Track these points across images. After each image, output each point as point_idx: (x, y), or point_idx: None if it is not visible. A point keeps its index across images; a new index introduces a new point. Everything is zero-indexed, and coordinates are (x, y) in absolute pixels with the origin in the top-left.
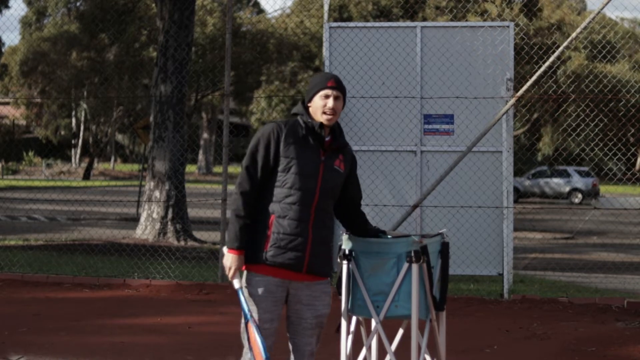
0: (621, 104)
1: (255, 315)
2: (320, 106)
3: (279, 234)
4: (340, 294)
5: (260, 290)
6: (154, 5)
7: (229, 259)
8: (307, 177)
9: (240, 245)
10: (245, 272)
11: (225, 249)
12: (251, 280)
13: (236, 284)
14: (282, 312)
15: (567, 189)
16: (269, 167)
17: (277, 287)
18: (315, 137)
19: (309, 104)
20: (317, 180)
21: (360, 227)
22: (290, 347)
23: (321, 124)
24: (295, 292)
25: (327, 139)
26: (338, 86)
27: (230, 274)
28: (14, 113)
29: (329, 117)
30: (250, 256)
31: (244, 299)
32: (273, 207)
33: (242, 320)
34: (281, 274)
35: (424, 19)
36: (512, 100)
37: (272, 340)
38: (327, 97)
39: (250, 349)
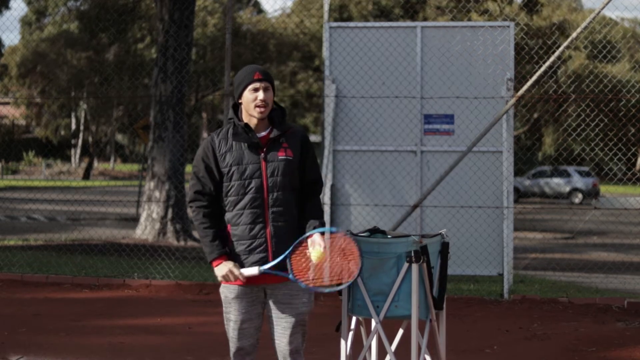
0: (622, 104)
1: (233, 317)
2: (250, 100)
3: (237, 242)
4: (340, 294)
5: (234, 293)
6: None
7: (220, 269)
8: (249, 179)
9: (220, 252)
10: (221, 286)
11: (214, 268)
12: (225, 288)
13: (248, 271)
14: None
15: (568, 189)
16: (215, 181)
17: (252, 288)
18: (247, 137)
19: (239, 102)
20: (262, 178)
21: (305, 220)
22: (275, 346)
23: (246, 124)
24: (272, 292)
25: (264, 133)
26: (265, 77)
27: (234, 276)
28: (14, 113)
29: (261, 109)
30: None
31: (268, 269)
32: (227, 216)
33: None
34: (252, 280)
35: (425, 19)
36: (513, 100)
37: (255, 339)
38: (256, 90)
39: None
